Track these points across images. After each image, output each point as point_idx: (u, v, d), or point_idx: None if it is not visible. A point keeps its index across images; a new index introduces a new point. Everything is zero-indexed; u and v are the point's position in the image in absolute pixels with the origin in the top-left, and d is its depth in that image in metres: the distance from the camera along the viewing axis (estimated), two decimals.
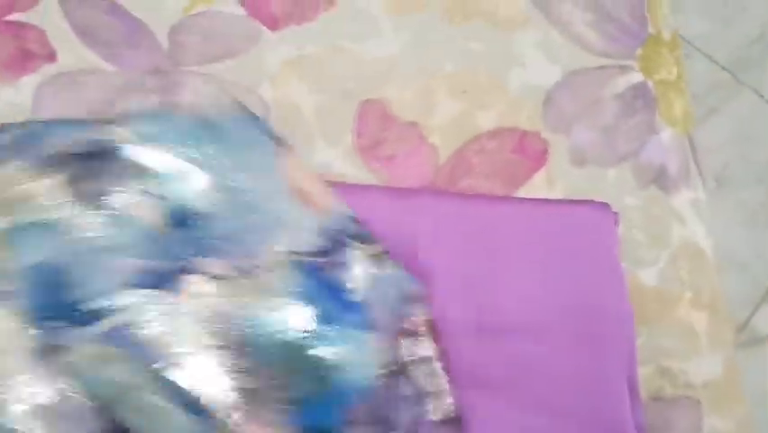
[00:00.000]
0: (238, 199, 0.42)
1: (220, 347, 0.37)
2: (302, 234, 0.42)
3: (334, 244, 0.42)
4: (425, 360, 0.42)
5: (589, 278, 0.47)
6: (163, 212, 0.40)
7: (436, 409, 0.42)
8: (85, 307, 0.37)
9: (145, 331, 0.37)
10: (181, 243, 0.40)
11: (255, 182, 0.43)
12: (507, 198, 0.51)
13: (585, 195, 0.50)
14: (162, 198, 0.41)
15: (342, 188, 0.48)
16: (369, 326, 0.41)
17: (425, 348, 0.43)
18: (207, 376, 0.37)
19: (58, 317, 0.37)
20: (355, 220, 0.44)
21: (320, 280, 0.41)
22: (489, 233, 0.48)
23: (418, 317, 0.43)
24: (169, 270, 0.39)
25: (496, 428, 0.43)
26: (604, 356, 0.45)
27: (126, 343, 0.37)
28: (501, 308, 0.46)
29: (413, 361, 0.42)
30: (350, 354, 0.39)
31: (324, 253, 0.42)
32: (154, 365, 0.36)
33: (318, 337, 0.39)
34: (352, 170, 0.52)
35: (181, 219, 0.41)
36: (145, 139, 0.42)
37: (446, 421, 0.42)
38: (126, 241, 0.39)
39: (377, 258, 0.43)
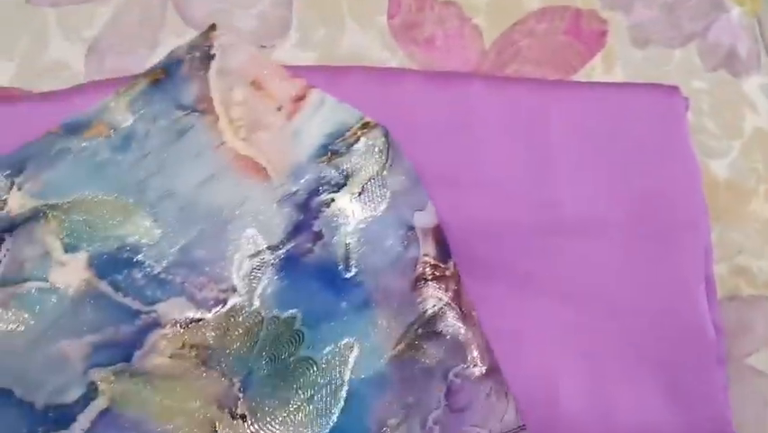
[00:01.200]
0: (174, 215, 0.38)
1: None
2: (260, 219, 0.38)
3: (305, 214, 0.38)
4: (440, 313, 0.37)
5: (660, 169, 0.42)
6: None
7: (467, 367, 0.37)
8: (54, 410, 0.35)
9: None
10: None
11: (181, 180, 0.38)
12: (564, 83, 0.45)
13: (648, 80, 0.45)
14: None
15: (375, 73, 0.43)
16: (368, 301, 0.37)
17: (437, 295, 0.37)
18: None
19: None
20: (326, 151, 0.39)
21: (297, 272, 0.37)
22: (544, 122, 0.43)
23: (428, 256, 0.38)
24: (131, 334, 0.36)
25: (566, 338, 0.39)
26: (678, 253, 0.41)
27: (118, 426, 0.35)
28: (562, 206, 0.41)
29: (430, 317, 0.37)
30: (351, 349, 0.36)
31: (294, 232, 0.38)
32: None
33: (308, 346, 0.36)
34: (386, 55, 0.46)
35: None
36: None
37: (482, 376, 0.37)
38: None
39: (366, 189, 0.38)
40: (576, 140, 0.43)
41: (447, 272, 0.38)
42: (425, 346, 0.36)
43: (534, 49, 0.47)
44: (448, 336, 0.37)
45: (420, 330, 0.37)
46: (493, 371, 0.37)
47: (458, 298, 0.38)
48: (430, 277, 0.37)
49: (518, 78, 0.45)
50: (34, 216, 0.37)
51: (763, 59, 0.47)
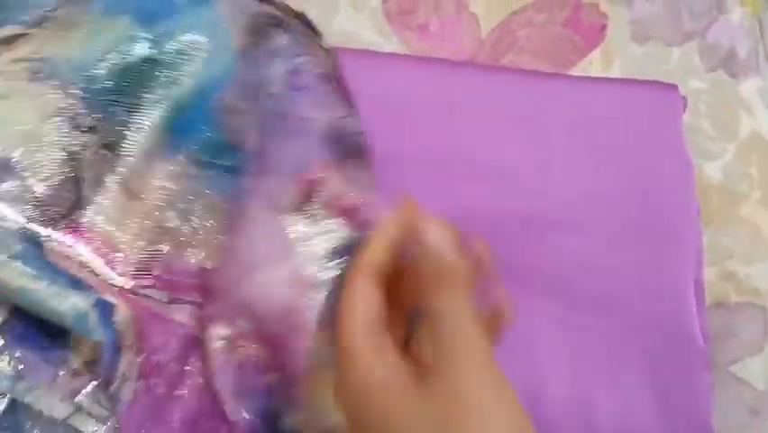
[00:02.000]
0: None
1: None
2: None
3: None
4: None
5: (653, 167, 0.41)
6: None
7: (313, 64, 0.36)
8: None
9: None
10: None
11: None
12: (559, 76, 0.44)
13: (647, 77, 0.44)
14: None
15: (365, 56, 0.42)
16: None
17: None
18: None
19: None
20: None
21: None
22: (538, 114, 0.42)
23: None
24: None
25: (553, 335, 0.39)
26: (668, 253, 0.40)
27: None
28: (552, 201, 0.40)
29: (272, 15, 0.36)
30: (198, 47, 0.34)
31: None
32: None
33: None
34: (379, 39, 0.45)
35: None
36: None
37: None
38: None
39: None
40: (568, 135, 0.42)
41: None
42: (270, 34, 0.36)
43: (531, 40, 0.45)
44: (291, 31, 0.36)
45: (265, 19, 0.36)
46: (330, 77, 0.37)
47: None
48: None
49: (513, 69, 0.44)
50: None
51: (762, 61, 0.46)
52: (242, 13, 0.35)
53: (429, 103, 0.41)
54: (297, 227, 0.34)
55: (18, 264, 0.31)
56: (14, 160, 0.33)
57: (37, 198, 0.33)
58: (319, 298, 0.32)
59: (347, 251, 0.33)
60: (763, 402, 0.41)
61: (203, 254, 0.34)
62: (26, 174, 0.33)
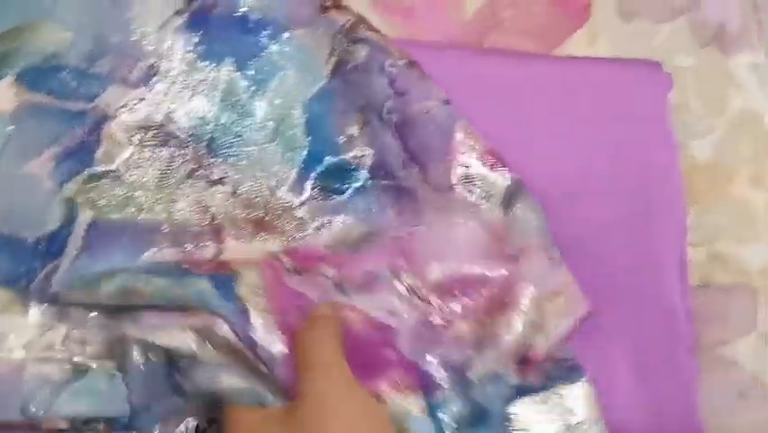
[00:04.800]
0: None
1: None
2: None
3: None
4: (354, 24, 0.40)
5: (637, 147, 0.41)
6: None
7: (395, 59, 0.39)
8: None
9: None
10: None
11: None
12: (543, 56, 0.44)
13: (634, 55, 0.44)
14: None
15: None
16: (283, 27, 0.39)
17: (345, 14, 0.40)
18: None
19: None
20: None
21: (209, 26, 0.39)
22: (522, 95, 0.42)
23: None
24: None
25: None
26: (651, 233, 0.40)
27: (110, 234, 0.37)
28: (535, 179, 0.40)
29: (348, 26, 0.40)
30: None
31: None
32: None
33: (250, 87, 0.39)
34: None
35: None
36: None
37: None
38: None
39: None
40: (552, 115, 0.41)
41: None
42: (352, 50, 0.39)
43: (517, 20, 0.45)
44: (369, 39, 0.39)
45: (344, 37, 0.39)
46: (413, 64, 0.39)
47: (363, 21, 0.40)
48: (330, 5, 0.40)
49: (499, 51, 0.44)
50: None
51: (754, 36, 0.45)
52: (322, 36, 0.39)
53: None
54: (471, 197, 0.38)
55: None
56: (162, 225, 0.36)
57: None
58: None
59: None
60: (751, 386, 0.40)
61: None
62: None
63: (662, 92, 0.42)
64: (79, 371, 0.35)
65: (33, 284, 0.35)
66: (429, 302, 0.36)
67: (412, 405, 0.33)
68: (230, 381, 0.33)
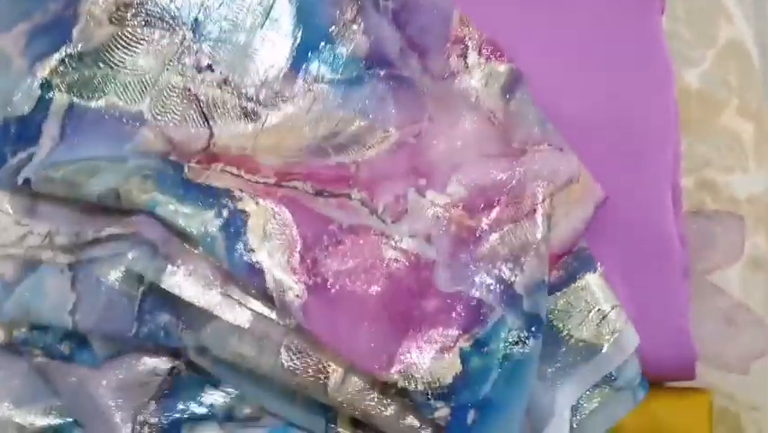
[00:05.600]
0: None
1: None
2: None
3: None
4: None
5: (631, 69, 0.40)
6: None
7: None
8: None
9: None
10: None
11: None
12: None
13: None
14: None
15: None
16: None
17: None
18: None
19: None
20: None
21: None
22: (509, 24, 0.40)
23: None
24: None
25: None
26: (645, 158, 0.39)
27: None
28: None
29: None
30: None
31: None
32: None
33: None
34: None
35: None
36: None
37: None
38: None
39: None
40: (543, 38, 0.40)
41: None
42: None
43: None
44: None
45: None
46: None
47: None
48: None
49: None
50: None
51: None
52: None
53: None
54: (471, 83, 0.36)
55: (149, 182, 0.31)
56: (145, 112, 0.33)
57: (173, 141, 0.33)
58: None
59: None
60: (738, 312, 0.40)
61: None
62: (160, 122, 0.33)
63: (654, 16, 0.41)
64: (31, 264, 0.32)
65: (1, 170, 0.32)
66: (459, 223, 0.34)
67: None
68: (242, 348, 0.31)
